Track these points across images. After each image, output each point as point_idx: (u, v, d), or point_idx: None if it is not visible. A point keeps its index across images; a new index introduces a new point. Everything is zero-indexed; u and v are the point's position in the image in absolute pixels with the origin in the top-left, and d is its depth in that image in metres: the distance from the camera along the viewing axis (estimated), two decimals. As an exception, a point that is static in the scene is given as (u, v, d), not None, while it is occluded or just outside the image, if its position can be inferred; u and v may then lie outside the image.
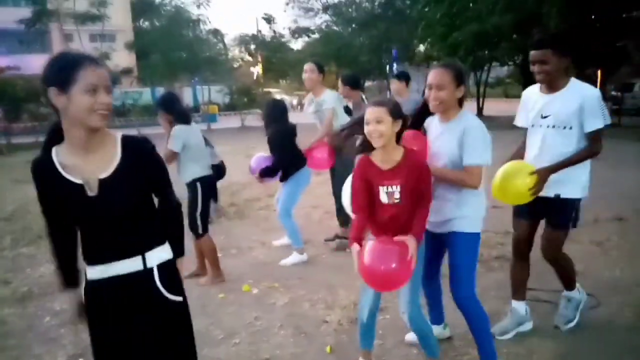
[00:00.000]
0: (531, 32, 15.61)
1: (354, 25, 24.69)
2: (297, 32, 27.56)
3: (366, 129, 2.29)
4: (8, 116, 19.14)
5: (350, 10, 25.87)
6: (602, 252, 4.45)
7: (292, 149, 4.46)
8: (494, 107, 24.98)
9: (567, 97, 2.75)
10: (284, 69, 29.77)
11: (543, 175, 2.70)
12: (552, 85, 2.81)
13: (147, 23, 32.10)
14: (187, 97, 32.24)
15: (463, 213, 2.50)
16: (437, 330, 2.96)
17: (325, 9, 26.09)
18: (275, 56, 28.15)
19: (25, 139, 18.15)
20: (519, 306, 3.10)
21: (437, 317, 3.01)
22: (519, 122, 3.07)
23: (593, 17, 14.31)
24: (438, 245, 2.66)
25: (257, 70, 34.53)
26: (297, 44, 30.52)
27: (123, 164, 1.65)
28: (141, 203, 1.73)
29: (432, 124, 2.66)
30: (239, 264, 4.58)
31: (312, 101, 4.83)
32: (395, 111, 2.28)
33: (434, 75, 2.47)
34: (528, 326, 3.09)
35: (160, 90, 31.33)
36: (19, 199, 7.80)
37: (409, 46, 24.57)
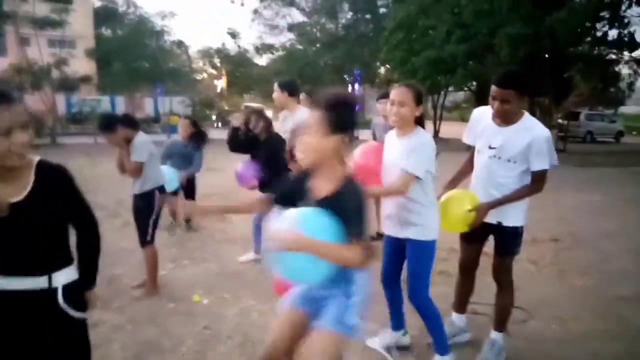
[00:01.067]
0: (484, 60, 16.41)
1: (317, 45, 25.14)
2: (262, 48, 27.79)
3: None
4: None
5: (314, 30, 26.37)
6: (537, 270, 4.75)
7: (284, 162, 4.45)
8: (449, 129, 25.74)
9: (518, 133, 2.78)
10: (248, 84, 29.85)
11: (482, 212, 2.80)
12: (506, 120, 2.84)
13: (109, 31, 31.57)
14: (147, 108, 31.80)
15: (419, 221, 2.71)
16: (396, 336, 3.12)
17: (290, 28, 26.51)
18: (239, 70, 28.23)
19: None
20: (458, 319, 3.30)
21: (397, 323, 3.13)
22: (467, 139, 3.14)
23: (542, 49, 15.19)
24: (399, 249, 2.84)
25: (221, 83, 34.42)
26: (262, 60, 30.74)
27: (36, 190, 1.67)
28: (53, 228, 1.75)
29: (390, 137, 2.89)
30: (191, 275, 4.61)
31: (287, 117, 4.89)
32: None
33: (396, 92, 2.70)
34: (466, 337, 3.28)
35: (120, 99, 30.90)
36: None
37: (371, 68, 25.22)
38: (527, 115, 2.85)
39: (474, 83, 21.28)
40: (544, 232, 5.94)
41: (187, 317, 3.68)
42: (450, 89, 25.42)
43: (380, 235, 5.08)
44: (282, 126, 5.03)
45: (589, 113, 24.35)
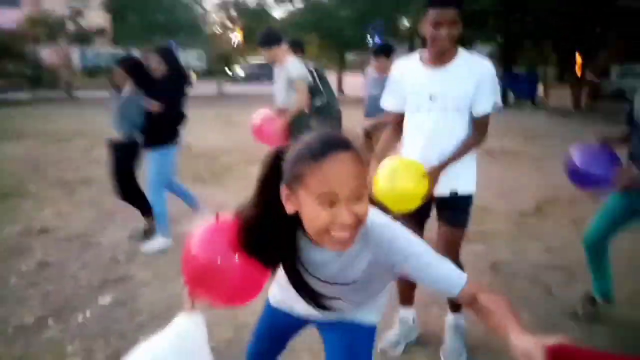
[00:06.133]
0: (513, 14, 15.56)
1: (338, -4, 24.17)
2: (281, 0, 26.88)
3: None
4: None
5: (335, -21, 25.30)
6: (577, 229, 4.50)
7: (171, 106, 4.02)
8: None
9: (461, 72, 2.24)
10: (265, 37, 29.12)
11: (435, 175, 2.29)
12: (444, 55, 2.25)
13: (123, -19, 30.78)
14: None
15: None
16: None
17: (310, -23, 25.44)
18: (255, 24, 27.51)
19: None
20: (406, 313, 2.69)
21: None
22: (389, 104, 2.50)
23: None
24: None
25: (237, 37, 33.66)
26: (279, 12, 29.85)
27: None
28: None
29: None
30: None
31: (279, 72, 4.42)
32: None
33: None
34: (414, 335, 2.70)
35: (135, 53, 30.43)
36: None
37: (393, 20, 24.24)
38: (461, 50, 2.30)
39: (501, 36, 20.38)
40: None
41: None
42: (477, 42, 24.38)
43: None
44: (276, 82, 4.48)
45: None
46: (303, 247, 1.25)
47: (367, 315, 1.53)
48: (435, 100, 2.27)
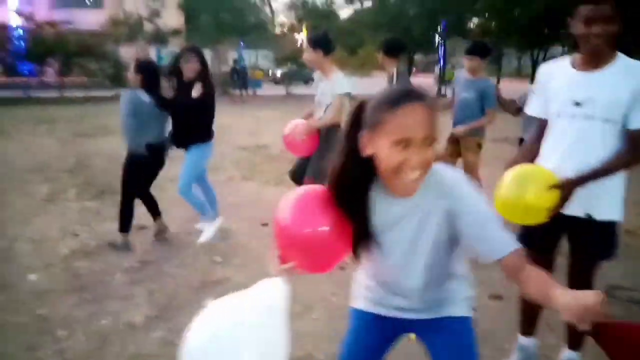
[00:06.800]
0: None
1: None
2: (350, -1, 26.86)
3: None
4: (61, 70, 19.54)
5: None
6: None
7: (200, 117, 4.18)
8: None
9: (616, 78, 1.97)
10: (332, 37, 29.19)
11: (568, 189, 1.99)
12: (598, 58, 2.01)
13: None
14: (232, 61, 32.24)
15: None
16: None
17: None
18: (323, 25, 27.68)
19: (76, 93, 18.58)
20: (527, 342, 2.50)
21: None
22: (533, 109, 2.30)
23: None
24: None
25: (302, 37, 34.00)
26: (346, 12, 29.82)
27: None
28: None
29: None
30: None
31: (319, 81, 4.26)
32: None
33: None
34: None
35: (207, 52, 31.29)
36: (79, 153, 7.95)
37: (463, 19, 23.55)
38: (621, 55, 2.04)
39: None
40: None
41: (312, 282, 3.47)
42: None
43: None
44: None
45: None
46: (379, 203, 1.32)
47: (458, 307, 1.50)
48: (581, 106, 2.03)
